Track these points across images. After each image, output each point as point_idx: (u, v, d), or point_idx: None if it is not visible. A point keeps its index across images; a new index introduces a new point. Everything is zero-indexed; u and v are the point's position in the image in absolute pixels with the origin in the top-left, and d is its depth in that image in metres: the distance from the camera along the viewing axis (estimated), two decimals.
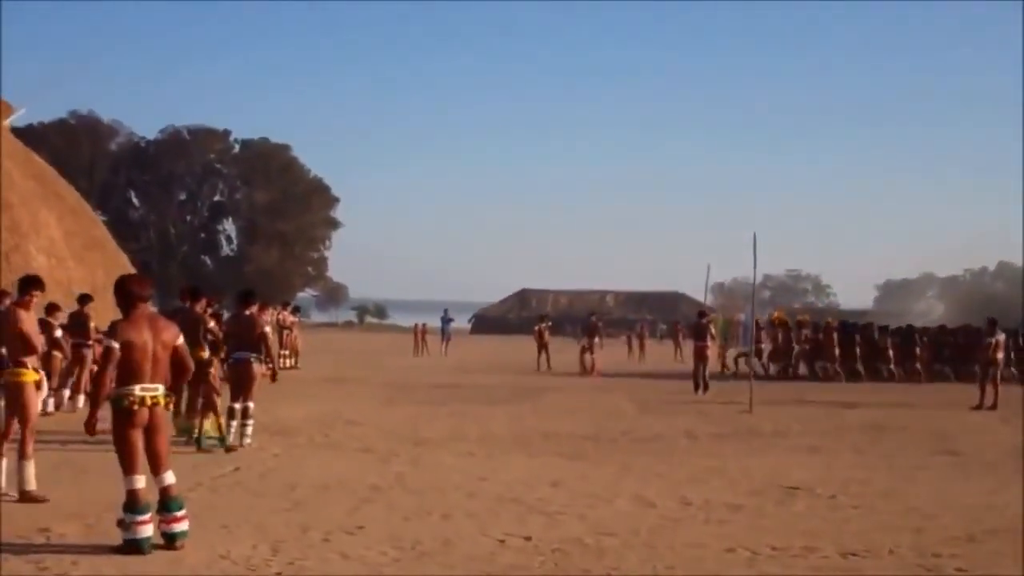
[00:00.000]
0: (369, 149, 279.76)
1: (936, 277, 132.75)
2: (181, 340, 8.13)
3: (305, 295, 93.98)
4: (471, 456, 13.60)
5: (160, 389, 7.83)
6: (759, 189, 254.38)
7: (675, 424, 18.11)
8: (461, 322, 72.92)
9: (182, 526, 7.82)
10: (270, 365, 14.66)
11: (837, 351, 32.24)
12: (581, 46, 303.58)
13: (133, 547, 7.60)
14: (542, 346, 35.02)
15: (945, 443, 16.34)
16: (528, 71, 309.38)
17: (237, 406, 14.03)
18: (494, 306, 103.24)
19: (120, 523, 7.72)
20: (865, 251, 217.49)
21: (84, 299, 18.84)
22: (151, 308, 8.23)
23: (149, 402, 7.73)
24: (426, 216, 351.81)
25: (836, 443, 15.99)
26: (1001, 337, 24.49)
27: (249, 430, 13.82)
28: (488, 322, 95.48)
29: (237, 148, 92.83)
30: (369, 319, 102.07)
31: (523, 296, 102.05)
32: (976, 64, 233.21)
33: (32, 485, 9.61)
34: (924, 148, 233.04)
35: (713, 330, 28.04)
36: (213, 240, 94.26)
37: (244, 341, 14.04)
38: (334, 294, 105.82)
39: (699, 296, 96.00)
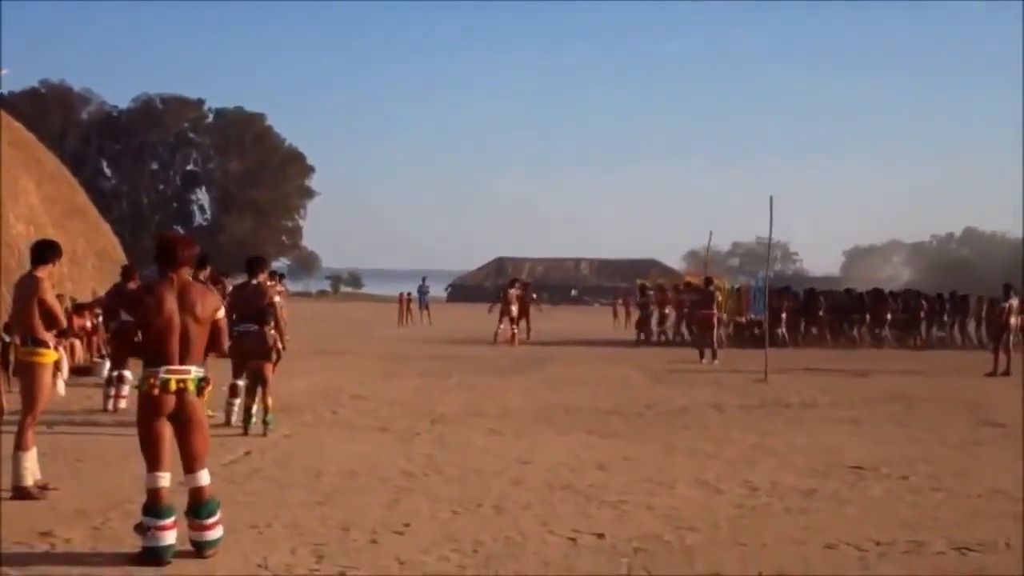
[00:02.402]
0: (344, 117, 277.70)
1: (903, 243, 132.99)
2: (222, 313, 6.93)
3: (279, 264, 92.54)
4: (497, 435, 12.59)
5: (192, 372, 6.64)
6: (730, 157, 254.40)
7: (696, 396, 17.19)
8: (438, 291, 71.87)
9: (214, 534, 6.69)
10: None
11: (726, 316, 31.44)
12: (558, 10, 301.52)
13: (153, 557, 6.48)
14: (522, 312, 31.86)
15: (981, 414, 15.56)
16: (502, 36, 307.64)
17: (241, 383, 13.00)
18: (470, 274, 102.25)
19: (139, 527, 6.60)
20: (833, 218, 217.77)
21: (128, 271, 16.28)
22: (188, 272, 6.95)
23: (175, 386, 6.55)
24: (401, 185, 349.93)
25: (871, 415, 15.14)
26: (1015, 302, 23.75)
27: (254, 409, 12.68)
28: (465, 291, 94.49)
29: (211, 117, 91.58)
30: (343, 288, 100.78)
31: (499, 264, 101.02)
32: (946, 35, 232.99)
33: (30, 480, 8.51)
34: (891, 114, 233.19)
35: (720, 297, 27.11)
36: (186, 210, 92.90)
37: (251, 312, 12.93)
38: (307, 263, 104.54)
39: (674, 264, 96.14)
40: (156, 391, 6.53)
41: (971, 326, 34.74)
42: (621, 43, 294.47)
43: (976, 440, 12.87)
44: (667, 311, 32.68)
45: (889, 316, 32.81)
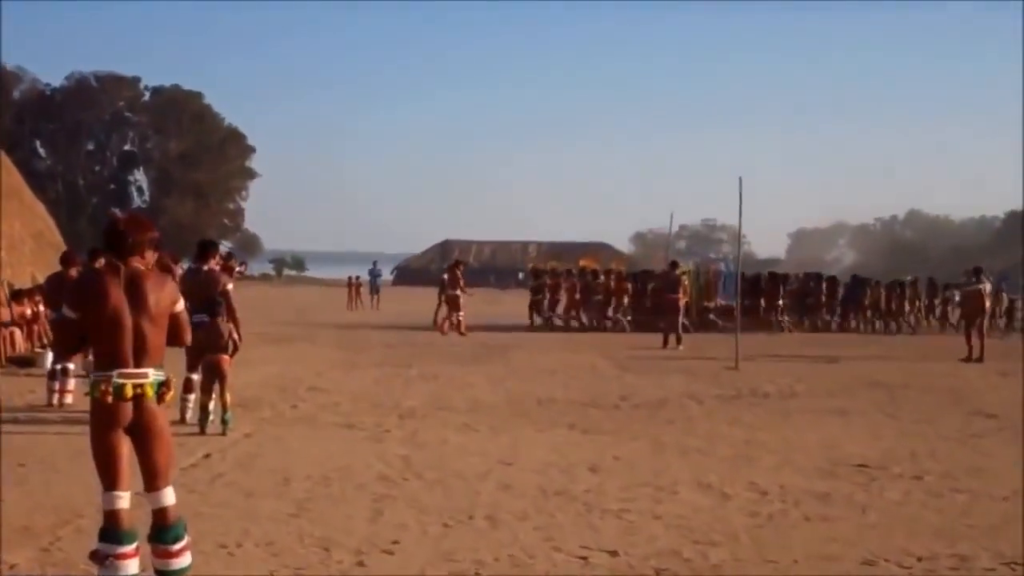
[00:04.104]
0: (284, 96, 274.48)
1: (847, 225, 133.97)
2: (181, 306, 6.00)
3: (221, 248, 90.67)
4: (472, 431, 11.79)
5: (150, 375, 5.68)
6: (677, 139, 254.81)
7: (669, 385, 16.49)
8: (383, 274, 70.75)
9: (182, 561, 5.75)
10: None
11: (627, 300, 30.89)
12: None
13: None
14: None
15: (968, 403, 15.04)
16: (443, 18, 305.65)
17: (195, 376, 12.10)
18: (416, 257, 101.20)
19: (95, 555, 5.65)
20: (778, 200, 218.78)
21: (68, 257, 15.05)
22: (141, 261, 5.97)
23: (131, 392, 5.65)
24: (344, 165, 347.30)
25: (856, 405, 14.55)
26: (987, 286, 23.30)
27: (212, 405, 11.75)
28: (410, 274, 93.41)
29: (147, 95, 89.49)
30: (287, 271, 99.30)
31: (445, 247, 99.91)
32: (890, 18, 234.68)
33: None
34: (835, 95, 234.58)
35: (686, 282, 26.43)
36: (124, 191, 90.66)
37: (203, 301, 11.95)
38: (249, 245, 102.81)
39: (622, 246, 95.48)
40: (109, 399, 5.61)
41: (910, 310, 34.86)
42: (563, 25, 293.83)
43: (975, 433, 12.28)
44: (560, 295, 32.08)
45: (781, 302, 32.12)
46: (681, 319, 24.67)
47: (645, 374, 18.32)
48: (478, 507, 7.99)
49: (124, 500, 5.65)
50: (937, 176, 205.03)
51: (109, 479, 5.64)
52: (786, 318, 31.79)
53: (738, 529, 7.40)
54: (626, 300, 30.82)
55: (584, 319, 31.62)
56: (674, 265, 25.29)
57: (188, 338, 6.07)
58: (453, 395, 14.88)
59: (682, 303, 24.96)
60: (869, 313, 34.10)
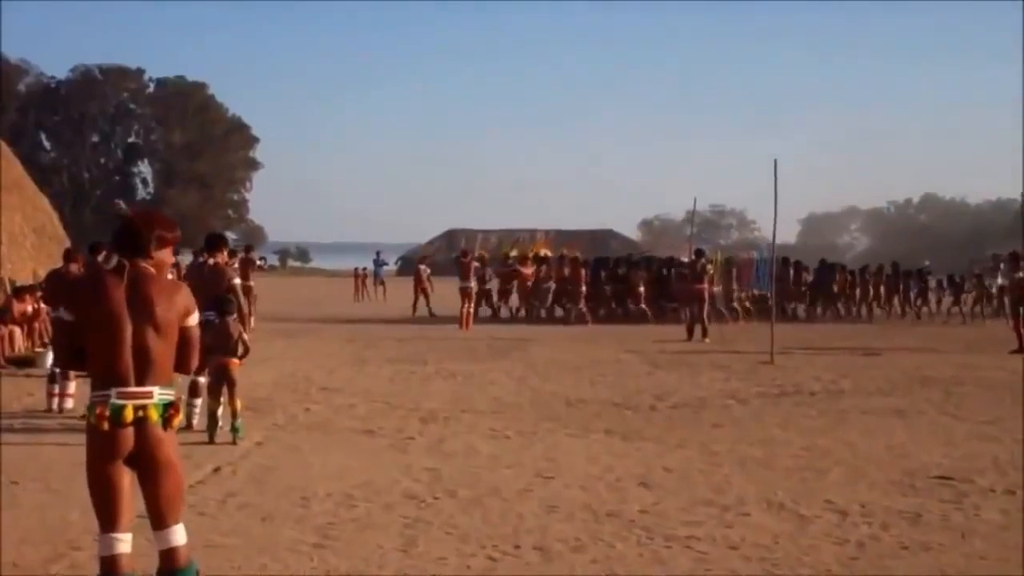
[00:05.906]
0: (287, 86, 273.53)
1: (859, 210, 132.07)
2: (194, 319, 5.00)
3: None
4: (502, 437, 10.80)
5: (155, 395, 4.73)
6: (683, 125, 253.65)
7: (705, 383, 15.52)
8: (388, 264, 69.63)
9: None
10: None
11: (584, 289, 29.30)
12: None
13: None
14: (421, 290, 31.82)
15: None
16: (449, 2, 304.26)
17: (202, 380, 11.17)
18: (421, 247, 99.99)
19: None
20: (789, 184, 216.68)
21: (71, 254, 14.21)
22: (150, 262, 5.01)
23: (132, 416, 4.69)
24: (347, 155, 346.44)
25: (911, 404, 13.52)
26: None
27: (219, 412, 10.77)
28: (415, 264, 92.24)
29: (152, 87, 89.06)
30: (292, 263, 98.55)
31: (451, 236, 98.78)
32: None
33: None
34: (847, 78, 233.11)
35: (711, 270, 25.38)
36: (129, 183, 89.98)
37: (207, 298, 10.92)
38: (253, 237, 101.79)
39: (630, 234, 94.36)
40: (106, 424, 4.65)
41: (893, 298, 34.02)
42: (571, 12, 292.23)
43: None
44: (511, 285, 31.22)
45: (734, 286, 30.74)
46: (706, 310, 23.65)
47: (676, 370, 17.33)
48: (523, 533, 7.01)
49: (124, 543, 4.70)
50: (952, 158, 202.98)
51: (106, 519, 4.69)
52: (737, 307, 30.38)
53: (828, 560, 6.42)
54: (584, 289, 29.28)
55: (533, 309, 30.39)
56: (699, 254, 24.27)
57: (195, 364, 5.07)
58: (475, 395, 13.93)
59: (707, 293, 23.91)
60: (840, 299, 33.03)
